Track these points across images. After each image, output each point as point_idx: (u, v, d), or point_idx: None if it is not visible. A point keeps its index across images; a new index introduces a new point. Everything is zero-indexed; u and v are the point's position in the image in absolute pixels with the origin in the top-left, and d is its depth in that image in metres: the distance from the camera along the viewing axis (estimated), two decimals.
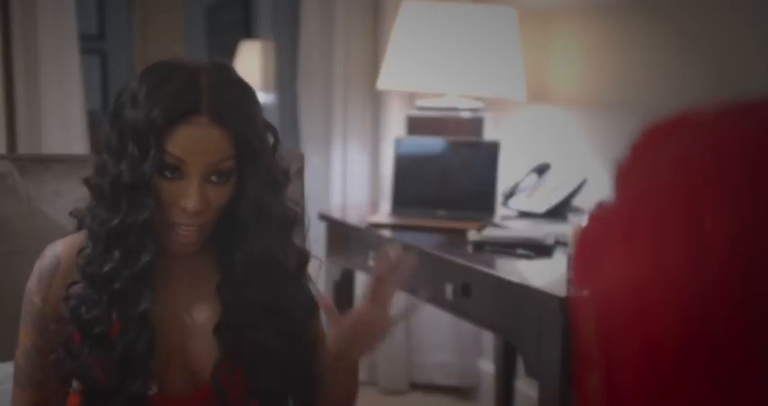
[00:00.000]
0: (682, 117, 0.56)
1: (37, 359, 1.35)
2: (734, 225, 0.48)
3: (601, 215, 0.55)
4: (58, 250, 1.36)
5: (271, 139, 1.33)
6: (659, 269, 0.49)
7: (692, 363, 0.48)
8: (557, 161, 2.74)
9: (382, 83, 2.93)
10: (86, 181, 1.35)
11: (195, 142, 1.23)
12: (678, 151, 0.52)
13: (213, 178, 1.25)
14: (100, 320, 1.28)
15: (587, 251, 0.55)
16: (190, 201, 1.24)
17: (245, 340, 1.33)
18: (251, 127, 1.27)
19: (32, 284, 1.36)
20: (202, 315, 1.36)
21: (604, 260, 0.52)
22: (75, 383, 1.43)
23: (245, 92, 1.29)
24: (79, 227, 1.38)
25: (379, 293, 1.32)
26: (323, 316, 1.37)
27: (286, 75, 5.20)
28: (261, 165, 1.29)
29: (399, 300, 1.39)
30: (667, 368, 0.48)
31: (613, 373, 0.51)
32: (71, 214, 1.40)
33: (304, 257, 1.40)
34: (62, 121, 2.91)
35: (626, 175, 0.55)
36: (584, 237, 0.56)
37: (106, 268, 1.28)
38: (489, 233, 2.31)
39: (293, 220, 1.38)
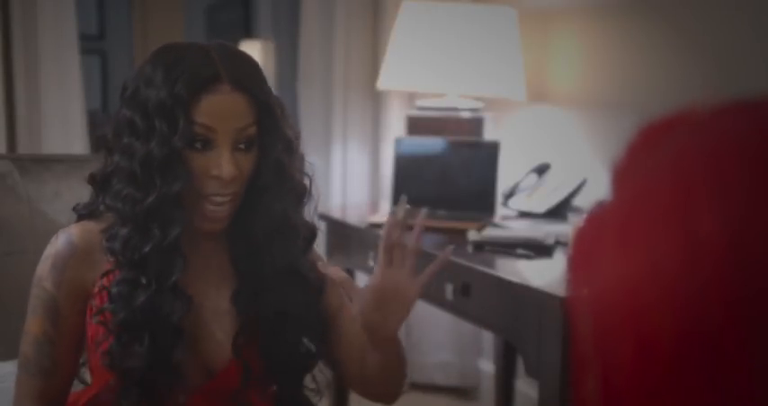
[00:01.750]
0: (678, 116, 0.56)
1: (47, 347, 1.34)
2: (729, 224, 0.48)
3: (597, 214, 0.55)
4: (74, 236, 1.34)
5: (281, 110, 1.36)
6: (654, 268, 0.49)
7: (687, 362, 0.48)
8: (557, 161, 2.74)
9: (382, 83, 2.93)
10: (92, 178, 1.36)
11: (222, 109, 1.26)
12: (674, 150, 0.52)
13: (241, 145, 1.29)
14: (146, 304, 1.29)
15: (583, 251, 0.55)
16: (225, 168, 1.27)
17: (262, 305, 1.35)
18: (268, 95, 1.31)
19: (44, 270, 1.34)
20: (218, 301, 1.37)
21: (600, 259, 0.52)
22: (85, 379, 1.43)
23: (254, 63, 1.34)
24: (80, 219, 1.38)
25: (395, 257, 1.28)
26: (342, 291, 1.36)
27: (286, 75, 5.21)
28: (279, 130, 1.33)
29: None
30: (663, 368, 0.48)
31: (610, 372, 0.51)
32: (74, 209, 1.39)
33: (312, 231, 1.42)
34: (62, 121, 2.91)
35: (622, 174, 0.55)
36: (580, 237, 0.56)
37: (147, 248, 1.28)
38: (489, 233, 2.31)
39: (305, 189, 1.40)
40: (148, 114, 1.26)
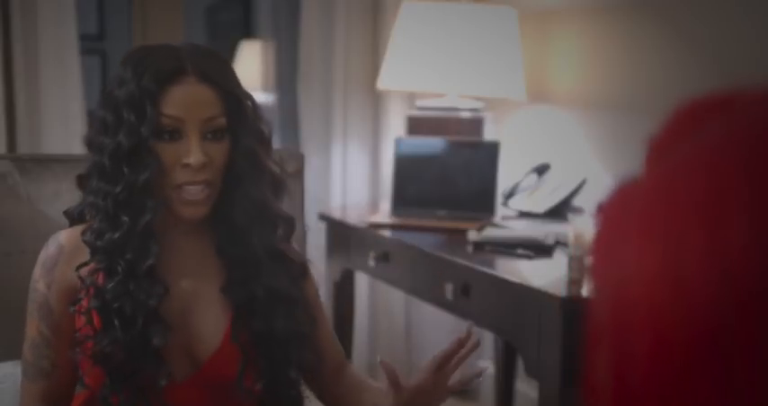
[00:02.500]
0: (724, 96, 0.52)
1: (44, 348, 1.37)
2: (758, 225, 0.46)
3: (624, 191, 0.52)
4: (61, 238, 1.39)
5: (251, 103, 1.39)
6: (676, 263, 0.47)
7: (703, 363, 0.47)
8: (557, 161, 2.74)
9: (382, 83, 2.93)
10: (78, 178, 1.40)
11: (188, 99, 1.30)
12: (713, 135, 0.49)
13: (209, 135, 1.32)
14: (119, 291, 1.32)
15: (607, 233, 0.52)
16: (193, 155, 1.30)
17: (254, 290, 1.37)
18: (235, 87, 1.35)
19: (36, 272, 1.39)
20: (204, 291, 1.39)
21: (623, 245, 0.50)
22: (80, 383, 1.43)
23: (223, 60, 1.39)
24: (71, 223, 1.42)
25: (445, 365, 1.36)
26: (384, 384, 1.39)
27: (286, 75, 5.20)
28: (249, 122, 1.36)
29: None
30: (678, 367, 0.47)
31: (624, 367, 0.50)
32: (64, 213, 1.44)
33: (290, 223, 1.45)
34: (62, 121, 2.90)
35: (657, 151, 0.52)
36: (605, 215, 0.53)
37: (116, 235, 1.31)
38: (489, 233, 2.31)
39: (281, 180, 1.44)
40: (118, 109, 1.31)
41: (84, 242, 1.35)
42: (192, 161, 1.30)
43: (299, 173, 1.82)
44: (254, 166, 1.37)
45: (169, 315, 1.35)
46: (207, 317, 1.38)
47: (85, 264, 1.35)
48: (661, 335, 0.48)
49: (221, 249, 1.40)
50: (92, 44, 5.68)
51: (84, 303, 1.34)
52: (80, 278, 1.34)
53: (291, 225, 1.45)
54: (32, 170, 1.75)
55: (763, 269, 0.45)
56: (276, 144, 1.67)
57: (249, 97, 1.38)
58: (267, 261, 1.39)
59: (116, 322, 1.32)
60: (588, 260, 0.56)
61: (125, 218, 1.31)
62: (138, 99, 1.29)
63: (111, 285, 1.32)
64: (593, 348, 0.52)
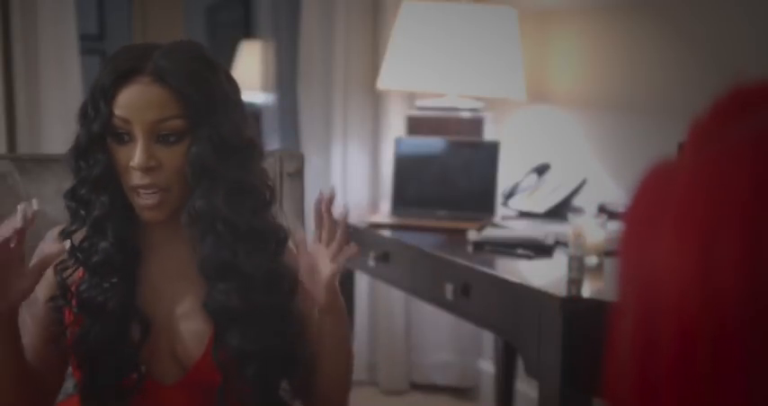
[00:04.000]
0: None
1: (28, 329, 1.37)
2: None
3: (662, 172, 0.50)
4: (56, 233, 1.41)
5: (232, 108, 1.33)
6: (709, 257, 0.46)
7: (728, 354, 0.46)
8: (557, 161, 2.74)
9: (382, 83, 2.93)
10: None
11: (137, 100, 1.28)
12: (758, 125, 0.48)
13: (161, 138, 1.29)
14: (92, 286, 1.34)
15: (641, 218, 0.50)
16: (137, 158, 1.28)
17: (231, 307, 1.33)
18: (198, 89, 1.29)
19: (31, 263, 1.39)
20: (186, 298, 1.38)
21: (657, 234, 0.48)
22: (71, 384, 1.44)
23: (202, 60, 1.32)
24: None
25: (323, 234, 1.32)
26: (294, 246, 1.37)
27: (286, 74, 5.20)
28: (211, 127, 1.30)
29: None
30: (704, 356, 0.46)
31: (648, 359, 0.48)
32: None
33: (282, 233, 1.39)
34: (62, 121, 2.90)
35: (701, 135, 0.50)
36: (640, 198, 0.51)
37: (72, 228, 1.35)
38: (489, 233, 2.31)
39: (261, 192, 1.37)
40: (84, 104, 1.33)
41: (60, 234, 1.37)
42: (135, 163, 1.28)
43: (299, 173, 1.82)
44: (204, 174, 1.30)
45: (155, 317, 1.35)
46: (190, 324, 1.37)
47: (63, 262, 1.36)
48: (688, 333, 0.46)
49: (201, 257, 1.36)
50: (92, 44, 5.68)
51: (61, 300, 1.36)
52: (57, 274, 1.36)
53: (281, 236, 1.39)
54: (32, 170, 1.75)
55: None
56: (276, 144, 1.66)
57: (224, 99, 1.32)
58: (249, 274, 1.34)
59: (93, 318, 1.33)
60: (617, 249, 0.53)
61: (81, 213, 1.34)
62: (95, 97, 1.30)
63: (84, 283, 1.34)
64: (616, 341, 0.51)
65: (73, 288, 1.36)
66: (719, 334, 0.46)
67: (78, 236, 1.36)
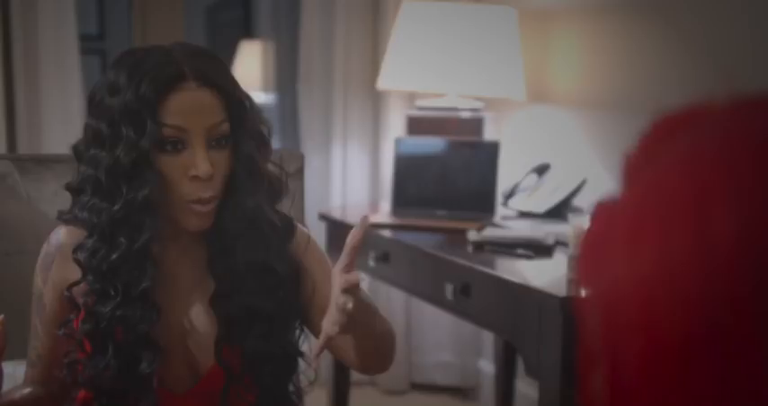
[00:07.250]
0: (693, 109, 0.54)
1: (34, 340, 1.38)
2: (742, 222, 0.47)
3: (607, 209, 0.54)
4: (62, 234, 1.36)
5: (250, 104, 1.33)
6: (666, 265, 0.48)
7: (697, 361, 0.47)
8: (557, 161, 2.74)
9: (382, 83, 2.93)
10: (68, 187, 1.34)
11: (190, 107, 1.23)
12: (687, 145, 0.51)
13: (214, 143, 1.26)
14: (111, 315, 1.27)
15: (593, 246, 0.54)
16: (201, 167, 1.23)
17: (239, 307, 1.32)
18: (235, 89, 1.28)
19: (37, 265, 1.38)
20: (198, 304, 1.36)
21: (610, 255, 0.51)
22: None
23: (218, 59, 1.31)
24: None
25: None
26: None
27: (286, 75, 5.20)
28: (251, 126, 1.30)
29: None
30: (672, 366, 0.48)
31: (618, 370, 0.50)
32: (58, 218, 1.38)
33: (289, 224, 1.39)
34: (62, 121, 2.91)
35: (634, 168, 0.54)
36: (590, 232, 0.54)
37: (113, 256, 1.26)
38: (489, 233, 2.31)
39: (280, 185, 1.37)
40: (114, 121, 1.23)
41: (75, 260, 1.29)
42: (200, 173, 1.23)
43: (299, 173, 1.82)
44: (252, 174, 1.30)
45: (166, 331, 1.32)
46: (201, 331, 1.35)
47: (77, 283, 1.30)
48: (654, 335, 0.48)
49: (212, 261, 1.35)
50: (92, 44, 5.68)
51: (74, 325, 1.31)
52: (69, 298, 1.31)
53: (290, 226, 1.39)
54: (32, 170, 1.75)
55: (751, 263, 0.46)
56: (276, 144, 1.66)
57: (248, 97, 1.32)
58: (254, 279, 1.32)
59: (108, 347, 1.28)
60: (574, 272, 0.57)
61: (122, 239, 1.25)
62: (136, 110, 1.21)
63: (104, 309, 1.27)
64: (587, 353, 0.53)
65: (78, 300, 1.32)
66: (686, 331, 0.47)
67: (91, 255, 1.28)
